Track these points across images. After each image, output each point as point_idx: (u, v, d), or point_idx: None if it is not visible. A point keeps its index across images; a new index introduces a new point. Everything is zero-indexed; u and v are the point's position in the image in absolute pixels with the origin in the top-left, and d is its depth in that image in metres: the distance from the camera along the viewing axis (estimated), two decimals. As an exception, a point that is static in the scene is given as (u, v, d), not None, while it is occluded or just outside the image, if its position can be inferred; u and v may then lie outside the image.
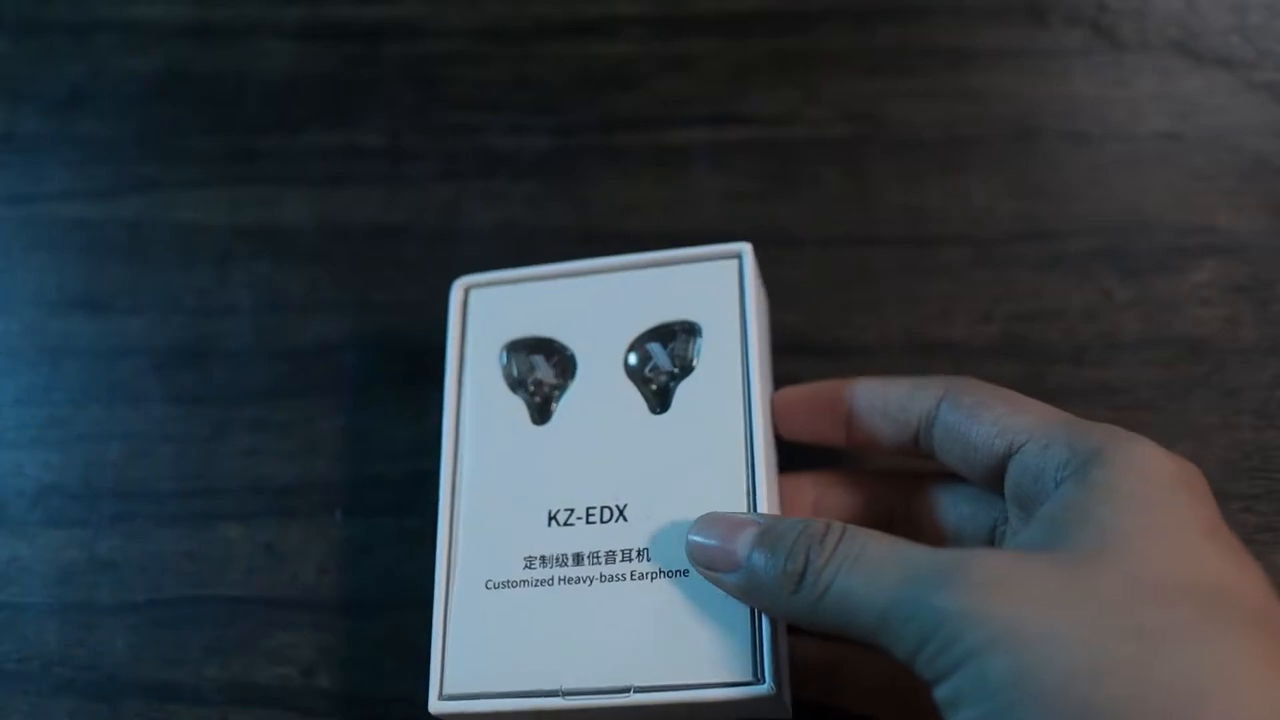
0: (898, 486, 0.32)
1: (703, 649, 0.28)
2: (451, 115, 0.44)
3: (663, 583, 0.29)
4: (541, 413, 0.32)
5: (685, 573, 0.29)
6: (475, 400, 0.33)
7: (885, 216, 0.40)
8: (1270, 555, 0.34)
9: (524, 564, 0.30)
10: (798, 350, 0.38)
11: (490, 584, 0.30)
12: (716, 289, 0.32)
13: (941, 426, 0.29)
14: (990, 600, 0.22)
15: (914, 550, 0.24)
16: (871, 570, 0.24)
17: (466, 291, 0.34)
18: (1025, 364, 0.37)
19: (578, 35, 0.46)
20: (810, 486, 0.33)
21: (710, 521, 0.28)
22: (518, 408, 0.32)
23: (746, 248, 0.33)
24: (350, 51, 0.45)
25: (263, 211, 0.42)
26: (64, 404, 0.39)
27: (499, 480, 0.31)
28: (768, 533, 0.27)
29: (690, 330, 0.32)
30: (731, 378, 0.31)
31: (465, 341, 0.33)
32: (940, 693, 0.23)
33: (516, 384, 0.33)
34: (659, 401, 0.31)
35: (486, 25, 0.46)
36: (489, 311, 0.34)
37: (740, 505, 0.30)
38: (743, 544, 0.27)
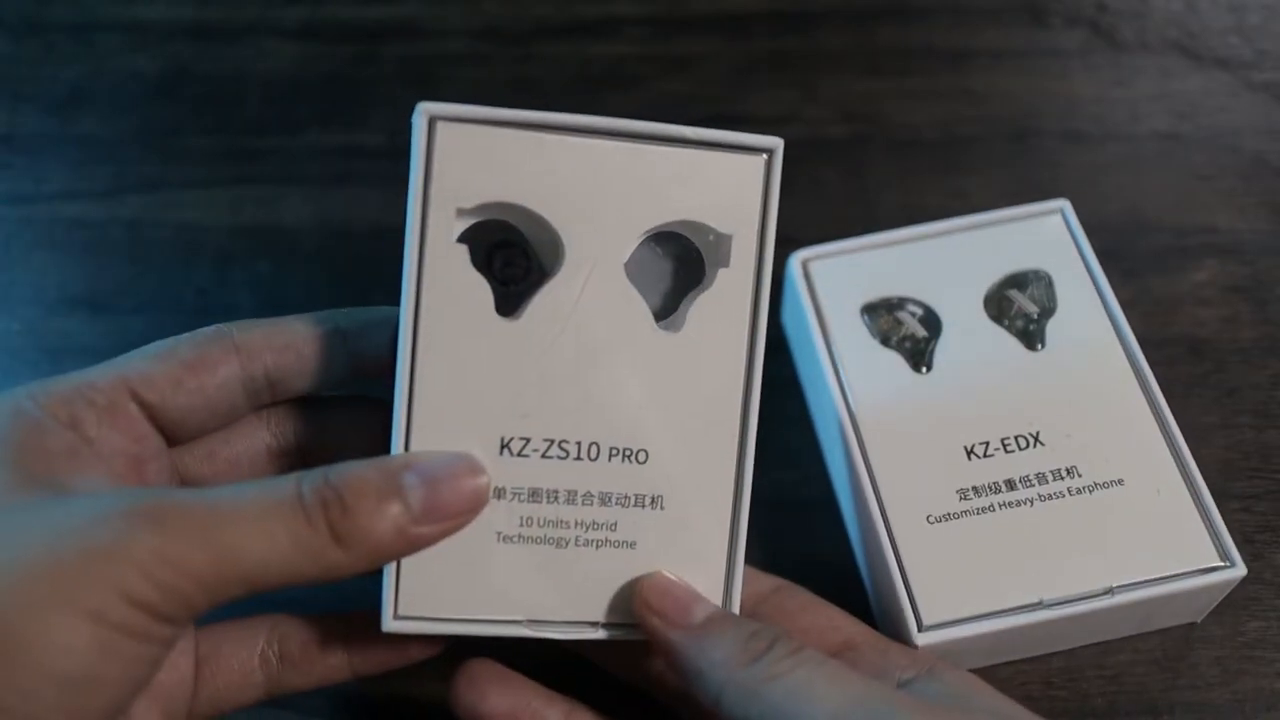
0: None
1: (1164, 544, 0.30)
2: (452, 115, 0.44)
3: (1100, 494, 0.31)
4: (917, 362, 0.33)
5: (1120, 482, 0.31)
6: (850, 355, 0.34)
7: (885, 216, 0.40)
8: (1270, 555, 0.34)
9: (958, 496, 0.31)
10: (798, 350, 0.38)
11: (931, 518, 0.31)
12: (1048, 240, 0.35)
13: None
14: None
15: (861, 676, 0.26)
16: (834, 674, 0.25)
17: (805, 264, 0.35)
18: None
19: (578, 35, 0.46)
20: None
21: (665, 588, 0.27)
22: (893, 359, 0.33)
23: (1065, 202, 0.35)
24: (350, 51, 0.45)
25: (263, 211, 0.42)
26: (64, 404, 0.38)
27: (901, 422, 0.33)
28: (726, 616, 0.27)
29: (1042, 276, 0.34)
30: (1095, 312, 0.34)
31: (819, 305, 0.35)
32: None
33: (885, 340, 0.34)
34: (1031, 340, 0.33)
35: (486, 25, 0.46)
36: (834, 278, 0.35)
37: (1151, 421, 0.32)
38: (701, 608, 0.27)
